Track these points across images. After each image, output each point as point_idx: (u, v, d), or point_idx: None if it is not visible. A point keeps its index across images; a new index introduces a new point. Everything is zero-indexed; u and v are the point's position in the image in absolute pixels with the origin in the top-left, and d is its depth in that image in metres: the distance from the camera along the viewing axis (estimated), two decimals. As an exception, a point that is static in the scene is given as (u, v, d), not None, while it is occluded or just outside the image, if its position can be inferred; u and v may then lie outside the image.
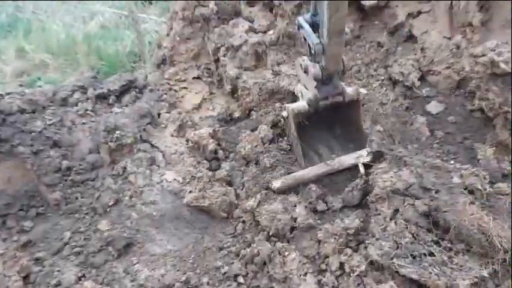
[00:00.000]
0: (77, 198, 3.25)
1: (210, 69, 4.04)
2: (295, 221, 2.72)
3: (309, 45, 2.70)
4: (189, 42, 4.08)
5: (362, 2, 3.77)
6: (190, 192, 3.03)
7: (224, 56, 3.93)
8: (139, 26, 4.45)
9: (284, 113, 3.13)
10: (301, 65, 2.89)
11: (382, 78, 3.70)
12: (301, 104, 2.96)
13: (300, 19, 2.70)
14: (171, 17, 4.21)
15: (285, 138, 3.48)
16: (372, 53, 3.83)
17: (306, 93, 2.98)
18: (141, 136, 3.54)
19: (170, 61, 4.14)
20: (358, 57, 3.85)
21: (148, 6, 6.05)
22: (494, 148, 2.98)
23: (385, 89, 3.63)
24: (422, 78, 3.61)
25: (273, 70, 3.68)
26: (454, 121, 3.28)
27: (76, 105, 3.69)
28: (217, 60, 3.96)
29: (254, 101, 3.73)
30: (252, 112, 3.74)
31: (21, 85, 4.23)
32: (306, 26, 2.64)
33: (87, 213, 3.16)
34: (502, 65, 2.78)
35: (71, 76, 4.52)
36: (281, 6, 3.86)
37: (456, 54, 3.54)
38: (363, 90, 3.63)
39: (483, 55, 2.95)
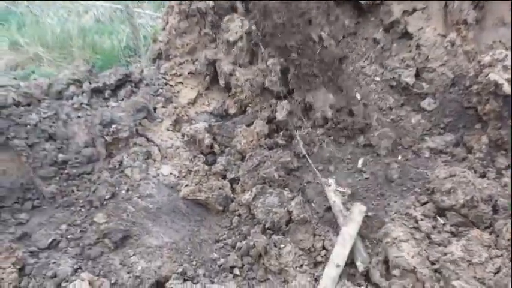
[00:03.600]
0: (72, 191, 3.26)
1: (206, 63, 4.02)
2: (290, 215, 2.75)
3: None
4: (185, 36, 4.07)
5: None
6: (186, 185, 3.04)
7: (220, 51, 3.93)
8: (135, 20, 4.43)
9: None
10: None
11: (377, 74, 3.73)
12: None
13: None
14: (167, 11, 4.20)
15: (281, 133, 3.51)
16: (367, 49, 3.86)
17: None
18: (137, 130, 3.54)
19: (166, 55, 4.13)
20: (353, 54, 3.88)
21: (143, 1, 6.02)
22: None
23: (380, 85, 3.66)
24: (417, 75, 3.65)
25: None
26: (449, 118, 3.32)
27: (71, 98, 3.68)
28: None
29: (248, 98, 3.74)
30: (248, 108, 3.76)
31: (15, 78, 4.19)
32: None
33: (83, 206, 3.17)
34: (505, 88, 2.83)
35: (66, 70, 4.51)
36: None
37: (451, 52, 3.58)
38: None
39: (490, 65, 2.98)
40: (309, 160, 3.12)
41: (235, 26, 3.90)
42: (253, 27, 3.61)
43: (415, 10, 3.79)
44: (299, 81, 3.56)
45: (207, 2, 4.06)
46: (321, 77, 3.54)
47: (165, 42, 4.09)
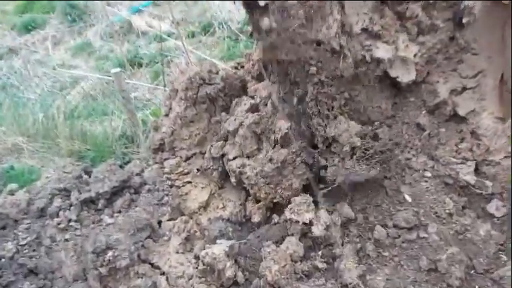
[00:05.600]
0: None
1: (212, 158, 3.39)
2: None
3: None
4: (193, 125, 3.45)
5: (398, 79, 3.20)
6: None
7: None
8: (132, 104, 3.80)
9: None
10: None
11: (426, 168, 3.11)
12: None
13: None
14: (170, 95, 3.58)
15: (319, 252, 2.84)
16: (411, 136, 3.25)
17: None
18: (138, 255, 2.85)
19: (170, 148, 3.49)
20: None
21: (137, 70, 5.43)
22: None
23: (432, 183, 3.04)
24: (476, 169, 3.04)
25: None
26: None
27: (57, 215, 3.01)
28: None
29: (268, 194, 3.08)
30: (274, 215, 3.10)
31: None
32: None
33: None
34: None
35: (51, 162, 3.85)
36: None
37: (516, 141, 2.99)
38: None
39: None
40: None
41: (240, 111, 3.29)
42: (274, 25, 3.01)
43: (464, 89, 3.21)
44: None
45: (217, 81, 3.47)
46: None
47: (169, 133, 3.46)
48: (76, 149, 3.74)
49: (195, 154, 3.45)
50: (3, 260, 2.73)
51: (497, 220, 2.83)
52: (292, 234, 2.90)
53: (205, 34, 5.99)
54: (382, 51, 3.13)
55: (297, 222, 2.88)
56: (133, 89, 4.72)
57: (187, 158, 3.44)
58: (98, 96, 4.73)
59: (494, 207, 2.87)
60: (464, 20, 3.02)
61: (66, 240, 2.90)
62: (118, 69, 3.68)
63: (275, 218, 3.09)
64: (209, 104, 3.45)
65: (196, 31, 6.20)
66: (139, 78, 5.25)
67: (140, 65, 5.52)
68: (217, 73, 3.48)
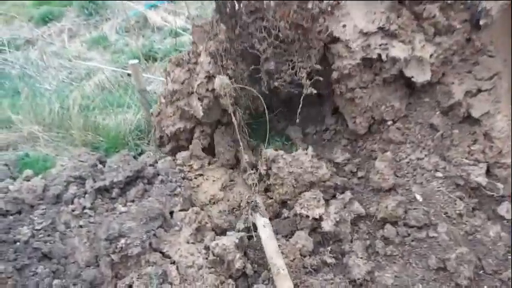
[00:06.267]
0: (70, 332, 2.58)
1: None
2: None
3: None
4: (175, 102, 3.44)
5: (413, 79, 3.21)
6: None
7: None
8: (146, 97, 3.84)
9: None
10: None
11: (438, 169, 3.11)
12: None
13: None
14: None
15: (328, 248, 2.87)
16: (423, 136, 3.26)
17: None
18: (150, 244, 2.88)
19: (159, 128, 3.57)
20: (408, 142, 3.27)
21: (151, 64, 5.47)
22: None
23: (443, 183, 3.04)
24: (487, 171, 3.04)
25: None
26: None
27: (71, 202, 3.05)
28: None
29: (288, 194, 3.11)
30: (284, 210, 3.12)
31: (6, 165, 3.57)
32: None
33: None
34: None
35: (65, 151, 3.90)
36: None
37: (529, 144, 2.99)
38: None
39: None
40: None
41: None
42: None
43: (479, 91, 3.21)
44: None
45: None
46: None
47: (155, 114, 3.53)
48: (89, 140, 3.79)
49: (179, 129, 3.46)
50: (18, 243, 2.78)
51: (507, 222, 2.84)
52: (302, 229, 2.93)
53: (219, 31, 6.02)
54: (398, 50, 3.15)
55: (307, 217, 2.91)
56: (147, 83, 4.76)
57: (172, 134, 3.47)
58: (113, 89, 4.78)
59: (505, 209, 2.88)
60: (481, 22, 3.02)
61: (80, 226, 2.95)
62: (136, 61, 3.72)
63: (285, 212, 3.12)
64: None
65: (211, 27, 6.25)
66: (153, 72, 5.30)
67: (155, 59, 5.57)
68: (198, 54, 3.43)
